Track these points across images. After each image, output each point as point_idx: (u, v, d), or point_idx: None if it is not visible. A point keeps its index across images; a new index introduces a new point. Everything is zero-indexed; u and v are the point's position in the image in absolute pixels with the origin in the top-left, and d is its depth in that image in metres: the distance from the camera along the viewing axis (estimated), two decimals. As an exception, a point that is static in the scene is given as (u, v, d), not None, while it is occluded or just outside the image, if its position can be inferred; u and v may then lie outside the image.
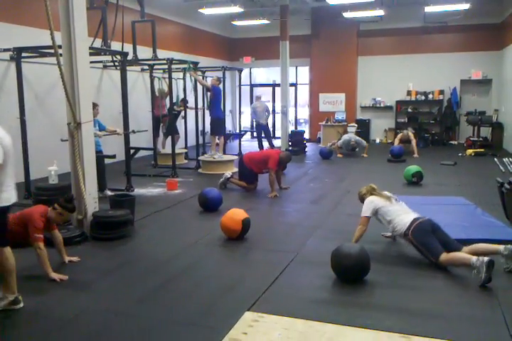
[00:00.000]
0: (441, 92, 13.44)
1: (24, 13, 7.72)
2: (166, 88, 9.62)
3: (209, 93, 9.16)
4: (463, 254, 3.75)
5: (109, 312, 3.17)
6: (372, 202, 4.26)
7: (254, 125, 12.18)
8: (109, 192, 6.53)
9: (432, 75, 13.47)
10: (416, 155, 10.76)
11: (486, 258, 3.46)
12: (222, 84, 10.67)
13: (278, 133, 14.32)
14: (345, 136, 11.33)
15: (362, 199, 4.45)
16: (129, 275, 3.85)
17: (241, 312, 3.09)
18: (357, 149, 11.39)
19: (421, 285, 3.57)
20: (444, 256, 3.77)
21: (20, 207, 5.84)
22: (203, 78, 10.92)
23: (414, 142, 11.08)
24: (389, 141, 13.69)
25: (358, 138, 11.23)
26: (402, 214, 4.16)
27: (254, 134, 13.61)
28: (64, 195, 4.07)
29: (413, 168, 7.66)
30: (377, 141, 14.29)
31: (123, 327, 2.98)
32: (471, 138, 12.34)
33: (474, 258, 3.53)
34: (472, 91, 13.51)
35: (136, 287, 3.61)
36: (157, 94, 9.72)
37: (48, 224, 3.80)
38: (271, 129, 15.78)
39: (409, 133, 11.25)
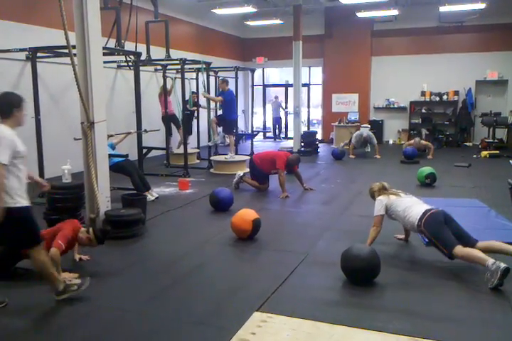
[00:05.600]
0: (456, 93, 13.29)
1: (39, 13, 7.81)
2: (168, 86, 9.69)
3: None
4: (480, 253, 3.64)
5: (120, 310, 3.20)
6: (382, 201, 4.26)
7: (272, 117, 15.78)
8: (154, 194, 6.55)
9: (447, 76, 13.31)
10: (430, 156, 10.62)
11: (502, 265, 3.37)
12: (234, 84, 10.74)
13: (290, 134, 14.35)
14: (358, 132, 11.27)
15: (372, 196, 4.47)
16: (139, 274, 3.88)
17: (250, 312, 3.10)
18: (368, 146, 11.26)
19: (431, 288, 3.54)
20: (460, 250, 3.67)
21: (34, 206, 5.95)
22: (216, 78, 10.94)
23: (432, 150, 10.72)
24: (402, 142, 13.56)
25: (369, 132, 11.13)
26: (413, 205, 4.12)
27: (267, 134, 16.03)
28: (104, 226, 4.15)
29: (426, 169, 7.59)
30: (391, 141, 14.19)
31: (133, 325, 3.00)
32: (486, 140, 12.18)
33: (491, 261, 3.46)
34: (488, 92, 13.32)
35: (147, 285, 3.63)
36: (166, 90, 9.79)
37: (72, 242, 3.83)
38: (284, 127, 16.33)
39: (422, 141, 10.82)
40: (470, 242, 3.80)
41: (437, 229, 3.84)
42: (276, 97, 15.65)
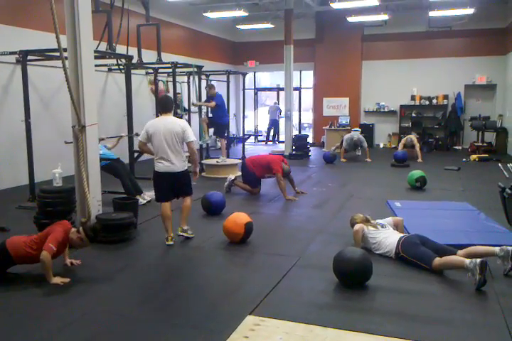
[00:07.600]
0: (446, 97, 13.41)
1: (30, 16, 7.77)
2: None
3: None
4: (456, 257, 3.75)
5: (112, 314, 3.17)
6: (358, 231, 4.40)
7: (269, 120, 16.02)
8: (146, 197, 6.48)
9: (436, 80, 13.45)
10: (420, 160, 10.73)
11: (478, 260, 3.45)
12: (226, 88, 10.75)
13: (282, 138, 14.38)
14: (348, 135, 11.33)
15: (352, 225, 4.59)
16: (131, 278, 3.86)
17: (243, 315, 3.09)
18: (359, 149, 11.33)
19: (423, 290, 3.56)
20: (438, 261, 3.78)
21: (25, 210, 5.91)
22: (207, 82, 10.94)
23: (418, 147, 11.03)
24: (393, 145, 13.67)
25: (360, 136, 11.21)
26: (389, 236, 4.26)
27: (259, 138, 16.36)
28: (93, 224, 4.15)
29: (417, 172, 7.64)
30: (381, 145, 14.27)
31: (125, 329, 2.98)
32: (475, 144, 12.31)
33: (467, 260, 3.53)
34: (476, 96, 13.48)
35: (139, 290, 3.62)
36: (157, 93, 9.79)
37: (64, 244, 3.79)
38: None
39: (413, 138, 11.19)
40: (450, 253, 3.87)
41: (414, 249, 3.99)
42: (275, 103, 16.16)
